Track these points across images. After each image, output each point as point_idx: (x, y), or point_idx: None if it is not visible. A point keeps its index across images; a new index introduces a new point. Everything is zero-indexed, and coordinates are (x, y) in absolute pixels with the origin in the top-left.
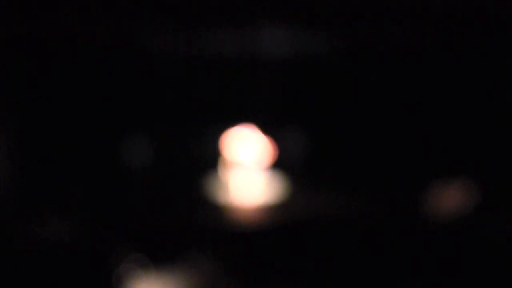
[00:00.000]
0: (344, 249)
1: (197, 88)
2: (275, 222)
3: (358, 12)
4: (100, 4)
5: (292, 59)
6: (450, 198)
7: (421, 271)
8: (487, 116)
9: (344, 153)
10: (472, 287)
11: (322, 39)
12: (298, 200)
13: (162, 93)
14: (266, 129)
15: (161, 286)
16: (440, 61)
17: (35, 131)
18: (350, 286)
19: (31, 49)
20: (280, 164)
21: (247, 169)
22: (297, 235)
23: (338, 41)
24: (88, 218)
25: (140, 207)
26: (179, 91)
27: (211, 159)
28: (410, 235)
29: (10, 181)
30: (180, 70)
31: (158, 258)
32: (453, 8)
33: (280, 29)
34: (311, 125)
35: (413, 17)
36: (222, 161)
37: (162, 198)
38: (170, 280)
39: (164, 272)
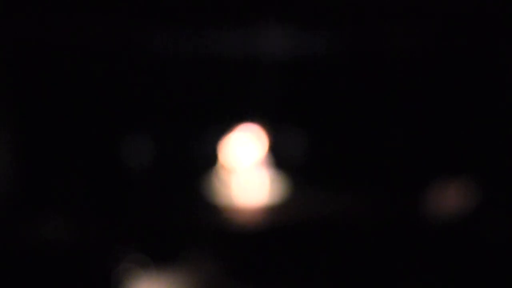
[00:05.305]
0: (344, 249)
1: (197, 88)
2: (275, 222)
3: (358, 12)
4: (100, 4)
5: (292, 59)
6: (450, 198)
7: (421, 271)
8: (487, 116)
9: (344, 153)
10: (472, 287)
11: (322, 39)
12: (299, 200)
13: (162, 93)
14: (266, 129)
15: (161, 286)
16: (440, 61)
17: (35, 131)
18: (351, 286)
19: (31, 49)
20: (280, 164)
21: (247, 169)
22: (297, 235)
23: (338, 41)
24: (88, 218)
25: (140, 207)
26: (179, 91)
27: (211, 159)
28: (410, 235)
29: (10, 181)
30: (180, 70)
31: (158, 258)
32: (453, 8)
33: (280, 29)
34: (311, 125)
35: (413, 17)
36: (222, 161)
37: (162, 198)
38: (170, 280)
39: (164, 272)
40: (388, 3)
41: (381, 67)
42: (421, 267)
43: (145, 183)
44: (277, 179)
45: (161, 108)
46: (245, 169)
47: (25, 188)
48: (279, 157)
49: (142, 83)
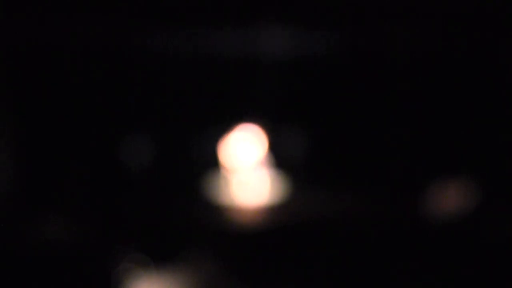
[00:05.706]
0: (344, 249)
1: (197, 88)
2: (275, 222)
3: (358, 12)
4: (100, 4)
5: (292, 59)
6: (450, 198)
7: (421, 271)
8: (487, 116)
9: (344, 153)
10: (472, 287)
11: (322, 39)
12: (299, 200)
13: (162, 93)
14: (266, 129)
15: (161, 286)
16: (440, 61)
17: (35, 131)
18: (351, 286)
19: (31, 49)
20: (280, 164)
21: (247, 169)
22: (297, 235)
23: (338, 41)
24: (88, 218)
25: (140, 207)
26: (179, 91)
27: (211, 159)
28: (410, 235)
29: (10, 181)
30: (180, 70)
31: (158, 258)
32: (453, 8)
33: (280, 29)
34: (311, 125)
35: (413, 17)
36: (222, 161)
37: (162, 198)
38: (170, 280)
39: (164, 272)
40: (388, 3)
41: (381, 67)
42: (421, 267)
43: (145, 183)
44: (277, 179)
45: (161, 108)
46: (245, 169)
47: (25, 188)
48: (279, 157)
49: (142, 83)
